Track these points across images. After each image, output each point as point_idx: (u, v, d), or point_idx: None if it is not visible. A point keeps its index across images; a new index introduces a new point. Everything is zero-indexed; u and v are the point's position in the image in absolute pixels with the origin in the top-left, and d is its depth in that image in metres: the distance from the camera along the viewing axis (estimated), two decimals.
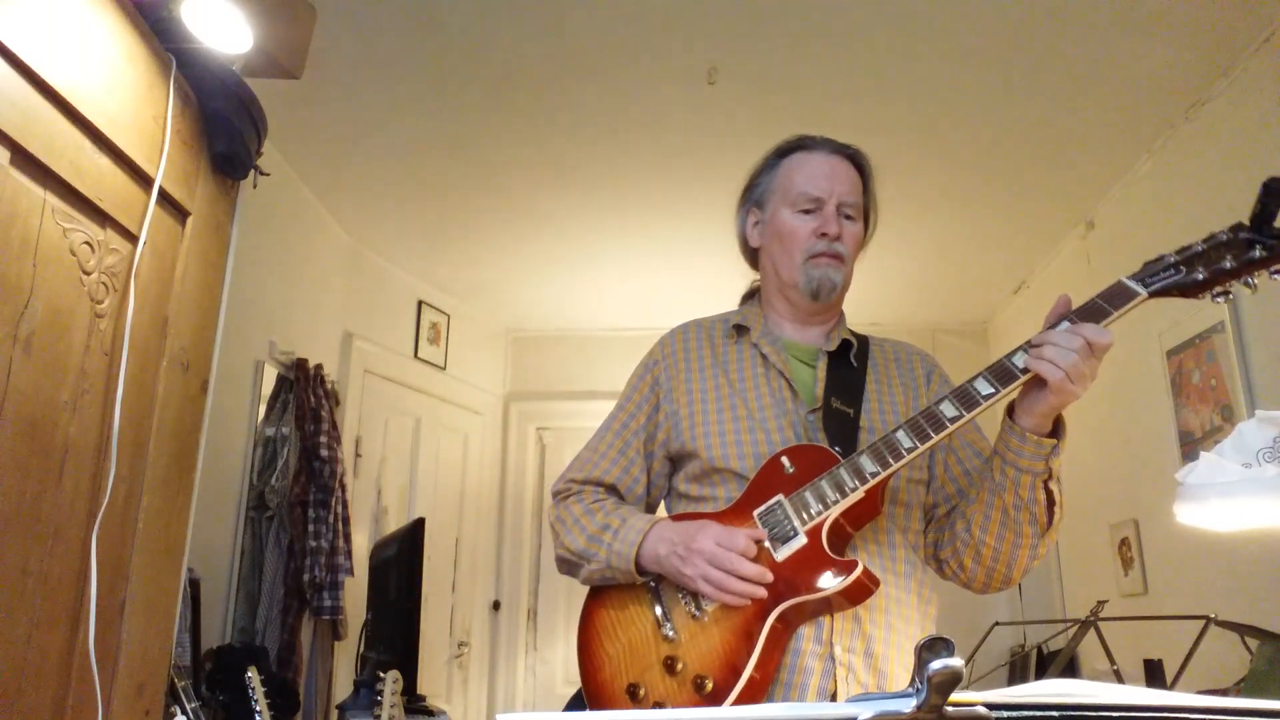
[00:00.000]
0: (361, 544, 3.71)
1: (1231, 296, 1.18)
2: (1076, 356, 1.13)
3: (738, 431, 1.37)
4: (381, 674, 2.34)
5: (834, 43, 2.68)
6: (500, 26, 2.63)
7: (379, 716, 2.26)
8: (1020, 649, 3.68)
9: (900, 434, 1.22)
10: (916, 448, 1.20)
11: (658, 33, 2.65)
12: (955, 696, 0.54)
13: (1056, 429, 1.22)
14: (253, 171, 1.87)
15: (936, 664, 0.52)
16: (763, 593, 1.21)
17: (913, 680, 0.54)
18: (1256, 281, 1.16)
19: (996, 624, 3.07)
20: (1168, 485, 1.38)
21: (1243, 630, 2.07)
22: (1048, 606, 4.09)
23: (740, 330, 1.50)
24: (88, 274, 1.42)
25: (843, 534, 1.26)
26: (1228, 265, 1.15)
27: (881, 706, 0.55)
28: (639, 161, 3.33)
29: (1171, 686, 2.30)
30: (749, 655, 1.19)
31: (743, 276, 1.62)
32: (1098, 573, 3.57)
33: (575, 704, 1.37)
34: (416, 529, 2.98)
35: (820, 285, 1.42)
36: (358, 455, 3.88)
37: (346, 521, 3.34)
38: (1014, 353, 1.20)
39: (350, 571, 3.30)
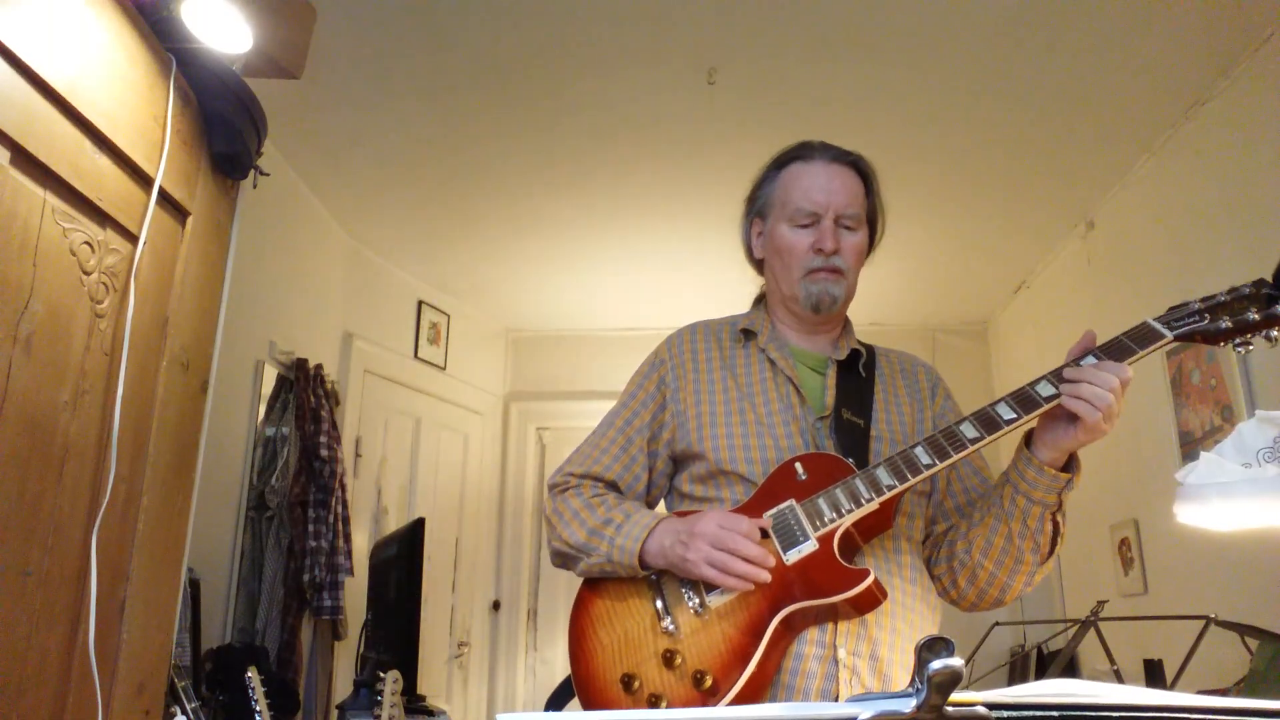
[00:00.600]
0: (361, 544, 3.71)
1: (1252, 348, 1.22)
2: (1113, 397, 1.15)
3: (746, 435, 1.37)
4: (381, 674, 2.34)
5: (834, 43, 2.68)
6: (500, 27, 2.63)
7: (379, 716, 2.26)
8: (1020, 649, 3.69)
9: (919, 450, 1.23)
10: (935, 465, 1.22)
11: (658, 33, 2.65)
12: (955, 696, 0.54)
13: (1070, 462, 1.23)
14: (253, 171, 1.87)
15: (936, 664, 0.52)
16: (766, 576, 1.20)
17: (913, 680, 0.54)
18: (1277, 335, 1.19)
19: (996, 624, 3.07)
20: (1168, 485, 1.38)
21: (1243, 630, 2.07)
22: (1048, 606, 4.09)
23: (748, 335, 1.50)
24: (88, 274, 1.42)
25: (853, 544, 1.26)
26: (1252, 318, 1.18)
27: (881, 706, 0.55)
28: (639, 162, 3.33)
29: (1171, 686, 2.30)
30: (751, 654, 1.19)
31: (742, 276, 1.62)
32: (1098, 573, 3.57)
33: (562, 691, 1.37)
34: (416, 529, 2.98)
35: (820, 301, 1.42)
36: (358, 455, 3.88)
37: (346, 521, 3.34)
38: (1038, 381, 1.21)
39: (350, 571, 3.30)
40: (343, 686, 3.49)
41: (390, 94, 2.95)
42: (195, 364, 1.71)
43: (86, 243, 1.41)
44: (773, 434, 1.37)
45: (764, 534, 1.25)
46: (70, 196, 1.38)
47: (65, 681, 1.36)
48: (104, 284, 1.46)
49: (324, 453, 3.22)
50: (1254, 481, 1.27)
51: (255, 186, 1.93)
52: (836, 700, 1.22)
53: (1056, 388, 1.19)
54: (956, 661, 0.52)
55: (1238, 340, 1.20)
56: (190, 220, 1.69)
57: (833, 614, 1.24)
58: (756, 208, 1.52)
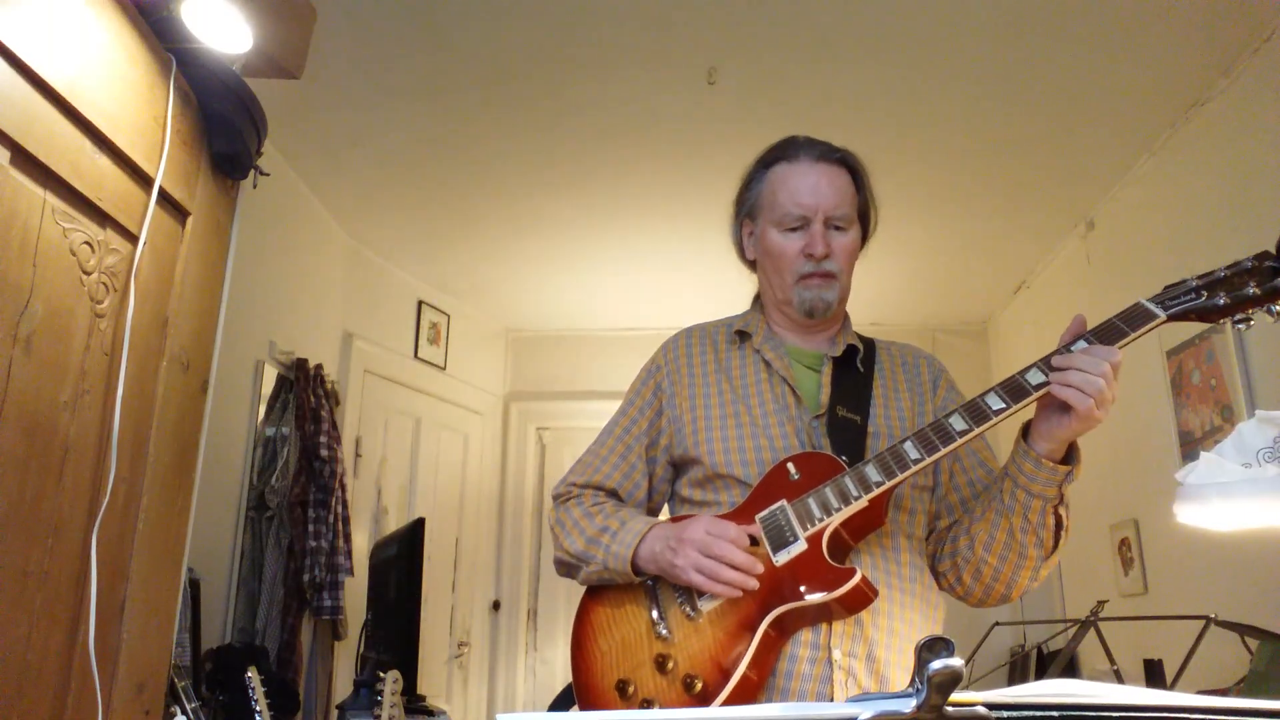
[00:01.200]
0: (361, 544, 3.71)
1: (1252, 324, 1.17)
2: (1103, 382, 1.11)
3: (741, 438, 1.37)
4: (381, 674, 2.34)
5: (834, 43, 2.68)
6: (500, 27, 2.63)
7: (379, 716, 2.26)
8: (1020, 649, 3.69)
9: (908, 445, 1.21)
10: (923, 459, 1.20)
11: (658, 33, 2.65)
12: (955, 696, 0.54)
13: (1070, 454, 1.21)
14: (253, 171, 1.87)
15: (936, 664, 0.52)
16: (754, 583, 1.20)
17: (913, 680, 0.54)
18: (1279, 310, 1.15)
19: (996, 624, 3.07)
20: (1168, 485, 1.38)
21: (1243, 630, 2.07)
22: (1048, 606, 4.09)
23: (743, 336, 1.49)
24: (88, 274, 1.42)
25: (844, 543, 1.25)
26: (1251, 292, 1.14)
27: (881, 706, 0.55)
28: (639, 161, 3.33)
29: (1171, 686, 2.30)
30: (741, 657, 1.19)
31: (742, 276, 1.61)
32: (1098, 573, 3.57)
33: (563, 699, 1.37)
34: (416, 529, 2.98)
35: (814, 306, 1.40)
36: (358, 455, 3.88)
37: (346, 521, 3.34)
38: (1028, 369, 1.18)
39: (350, 571, 3.30)
40: (343, 686, 3.49)
41: (390, 94, 2.95)
42: (195, 364, 1.71)
43: (86, 243, 1.41)
44: (768, 435, 1.36)
45: (754, 541, 1.25)
46: (70, 196, 1.38)
47: (65, 681, 1.36)
48: (104, 284, 1.46)
49: (324, 453, 3.22)
50: (1254, 481, 1.26)
51: (255, 186, 1.93)
52: (832, 702, 1.22)
53: (1046, 375, 1.16)
54: (956, 661, 0.52)
55: (1237, 317, 1.16)
56: (190, 220, 1.69)
57: (825, 614, 1.23)
58: (745, 209, 1.50)
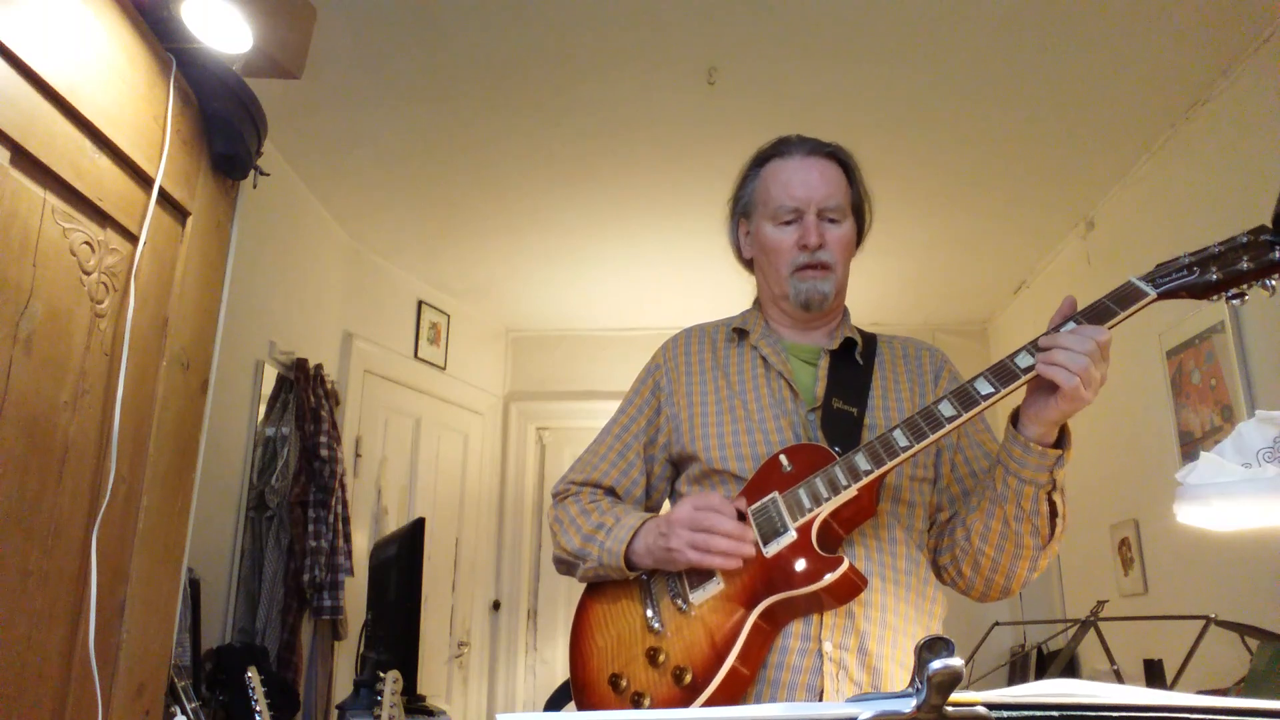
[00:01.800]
0: (361, 544, 3.71)
1: (1246, 300, 1.14)
2: (1089, 361, 1.10)
3: (736, 434, 1.37)
4: (381, 674, 2.34)
5: (833, 43, 2.68)
6: (500, 27, 2.63)
7: (379, 716, 2.26)
8: (1020, 649, 3.69)
9: (897, 433, 1.20)
10: (912, 446, 1.18)
11: (658, 33, 2.65)
12: (955, 696, 0.54)
13: (1061, 438, 1.19)
14: (253, 171, 1.87)
15: (936, 664, 0.52)
16: (749, 549, 1.20)
17: (913, 680, 0.54)
18: (1275, 284, 1.12)
19: (996, 624, 3.07)
20: (1168, 485, 1.38)
21: (1243, 630, 2.07)
22: (1048, 606, 4.09)
23: (741, 334, 1.49)
24: (88, 274, 1.42)
25: (836, 533, 1.25)
26: (1244, 267, 1.11)
27: (881, 706, 0.55)
28: (639, 162, 3.33)
29: (1171, 686, 2.30)
30: (730, 649, 1.19)
31: (742, 276, 1.62)
32: (1098, 573, 3.57)
33: (559, 696, 1.37)
34: (416, 529, 2.98)
35: (810, 298, 1.40)
36: (358, 455, 3.88)
37: (346, 521, 3.34)
38: (1017, 353, 1.17)
39: (350, 571, 3.30)
40: (343, 686, 3.49)
41: (390, 94, 2.95)
42: (195, 364, 1.71)
43: (86, 243, 1.41)
44: (763, 429, 1.36)
45: (741, 515, 1.25)
46: (70, 196, 1.38)
47: (65, 681, 1.36)
48: (104, 284, 1.46)
49: (324, 453, 3.22)
50: (1254, 481, 1.26)
51: (255, 186, 1.93)
52: (822, 695, 1.21)
53: (1034, 357, 1.15)
54: (956, 661, 0.52)
55: (1231, 292, 1.13)
56: (190, 220, 1.69)
57: (816, 605, 1.22)
58: (740, 207, 1.51)
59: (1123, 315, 1.15)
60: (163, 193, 1.58)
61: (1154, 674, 2.53)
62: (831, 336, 1.46)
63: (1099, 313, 1.15)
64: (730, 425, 1.38)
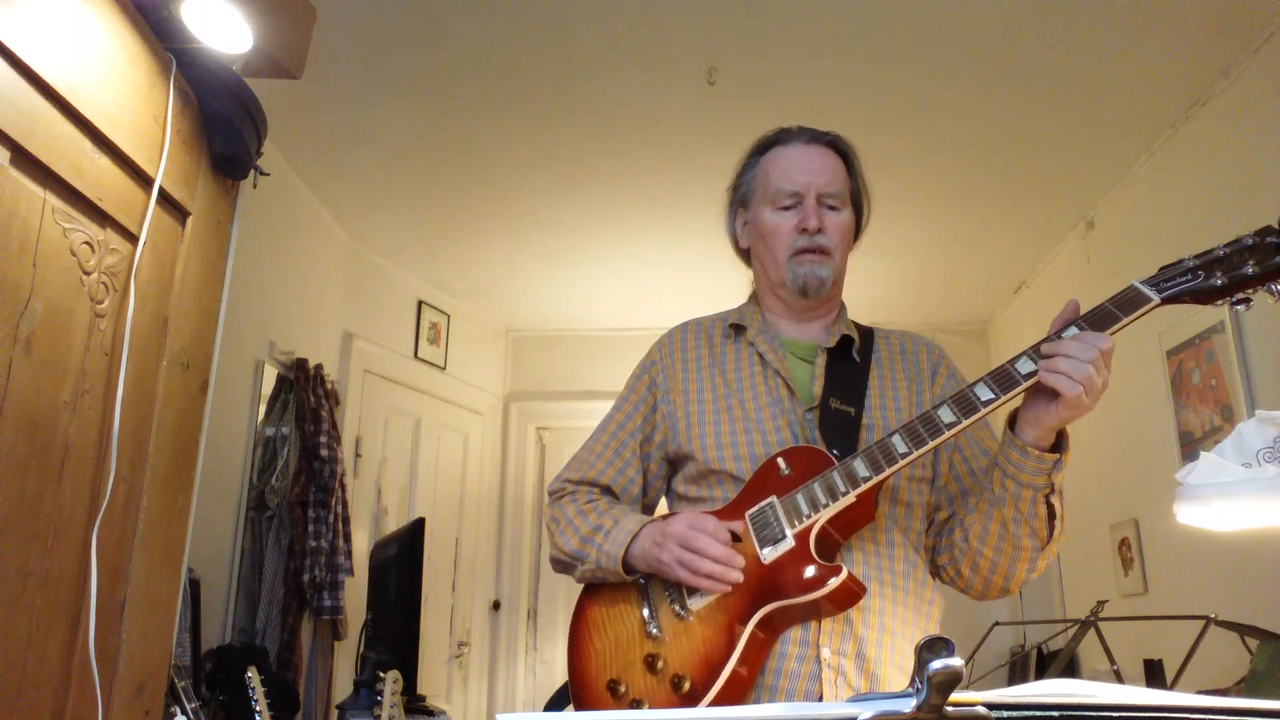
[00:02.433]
0: (361, 544, 3.71)
1: (1251, 305, 1.11)
2: (1092, 369, 1.08)
3: (734, 433, 1.36)
4: (381, 674, 2.34)
5: (833, 43, 2.68)
6: (500, 27, 2.63)
7: (379, 716, 2.26)
8: (1020, 649, 3.69)
9: (896, 439, 1.19)
10: (911, 453, 1.18)
11: (658, 33, 2.65)
12: (955, 696, 0.54)
13: (1059, 442, 1.18)
14: (253, 171, 1.87)
15: (936, 664, 0.52)
16: (735, 576, 1.20)
17: (913, 680, 0.54)
18: None
19: (996, 624, 3.07)
20: (1168, 485, 1.37)
21: (1243, 630, 2.07)
22: (1048, 606, 4.09)
23: (738, 329, 1.48)
24: (88, 274, 1.42)
25: (834, 539, 1.24)
26: (1250, 271, 1.08)
27: (881, 706, 0.55)
28: (639, 161, 3.33)
29: (1171, 686, 2.30)
30: (728, 656, 1.18)
31: (741, 275, 1.61)
32: (1098, 573, 3.57)
33: (558, 698, 1.37)
34: (416, 529, 2.98)
35: (807, 282, 1.39)
36: (358, 455, 3.88)
37: (346, 521, 3.34)
38: (1018, 358, 1.16)
39: (350, 571, 3.30)
40: (343, 686, 3.49)
41: (390, 94, 2.95)
42: (195, 364, 1.71)
43: (86, 243, 1.41)
44: (760, 429, 1.35)
45: (736, 537, 1.25)
46: (70, 196, 1.38)
47: (65, 681, 1.36)
48: (104, 284, 1.46)
49: (324, 453, 3.22)
50: (1254, 481, 1.26)
51: (255, 186, 1.93)
52: (821, 700, 1.21)
53: (1036, 364, 1.13)
54: (956, 661, 0.52)
55: (1235, 298, 1.10)
56: (190, 220, 1.69)
57: (814, 612, 1.22)
58: (739, 196, 1.51)
59: (1126, 321, 1.13)
60: (163, 193, 1.58)
61: (1154, 674, 2.53)
62: (829, 331, 1.45)
63: (1102, 318, 1.14)
64: (728, 425, 1.37)
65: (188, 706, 1.92)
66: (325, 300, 3.80)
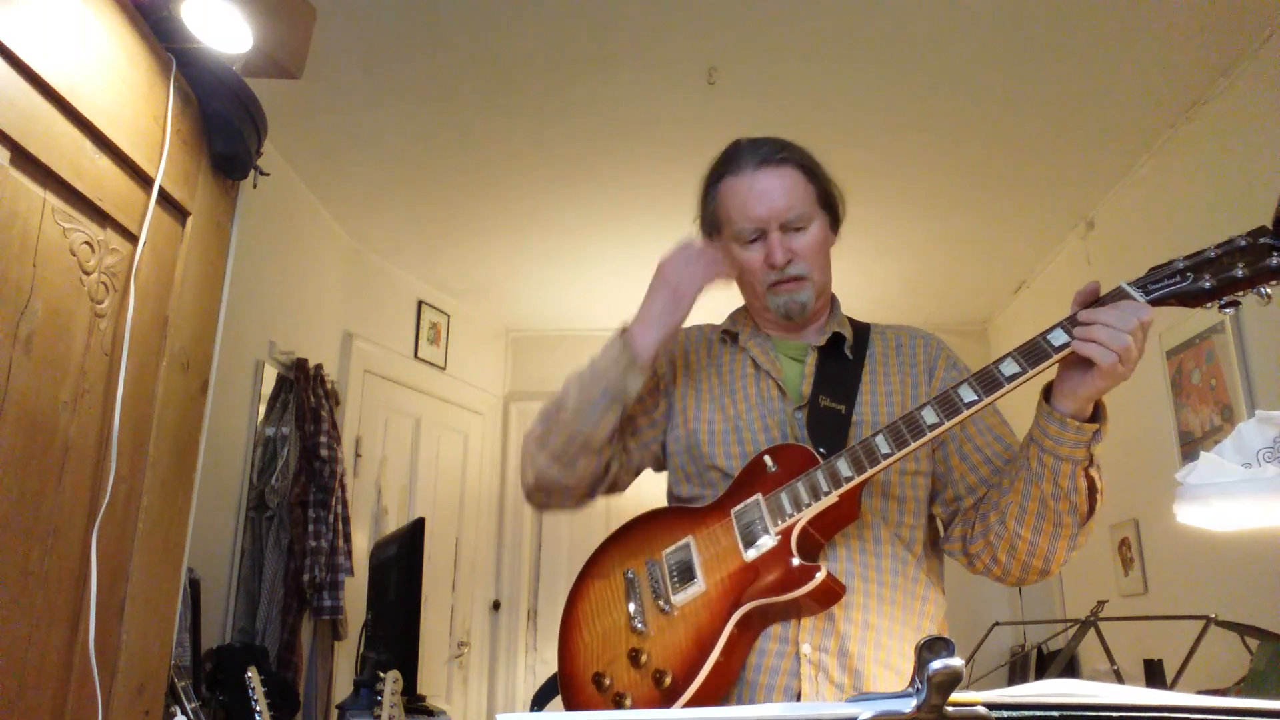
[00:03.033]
0: (361, 544, 3.71)
1: (1240, 308, 1.10)
2: (1130, 339, 1.07)
3: (726, 431, 1.37)
4: (381, 674, 2.34)
5: (833, 44, 2.68)
6: (500, 27, 2.63)
7: (379, 716, 2.26)
8: (1020, 649, 3.69)
9: (879, 439, 1.19)
10: (893, 454, 1.18)
11: (658, 33, 2.65)
12: (955, 696, 0.54)
13: (1097, 412, 1.16)
14: (253, 171, 1.87)
15: (936, 664, 0.52)
16: (709, 251, 1.35)
17: (913, 680, 0.54)
18: (1270, 292, 1.06)
19: (996, 624, 3.07)
20: (1168, 485, 1.37)
21: (1243, 630, 2.07)
22: (1048, 606, 4.09)
23: (732, 336, 1.49)
24: (88, 274, 1.42)
25: (816, 538, 1.24)
26: (1239, 273, 1.06)
27: (881, 706, 0.55)
28: (639, 161, 3.33)
29: (1171, 686, 2.30)
30: (708, 653, 1.19)
31: None
32: (1098, 573, 3.57)
33: (548, 688, 1.37)
34: (416, 529, 2.98)
35: (789, 309, 1.38)
36: (358, 455, 3.88)
37: (346, 521, 3.34)
38: (1052, 329, 1.13)
39: (350, 571, 3.30)
40: (343, 686, 3.49)
41: (390, 94, 2.95)
42: (195, 364, 1.71)
43: (86, 243, 1.41)
44: (750, 428, 1.36)
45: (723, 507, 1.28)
46: (70, 196, 1.38)
47: (65, 681, 1.36)
48: (104, 284, 1.46)
49: (324, 453, 3.22)
50: (1254, 481, 1.26)
51: (255, 186, 1.93)
52: (800, 696, 1.21)
53: (1070, 335, 1.11)
54: (956, 661, 0.52)
55: (1224, 300, 1.08)
56: (190, 220, 1.69)
57: (796, 610, 1.22)
58: (707, 227, 1.49)
59: None
60: (163, 193, 1.58)
61: (1154, 674, 2.53)
62: (821, 332, 1.44)
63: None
64: (721, 423, 1.38)
65: (188, 706, 1.92)
66: (325, 300, 3.80)
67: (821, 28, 2.62)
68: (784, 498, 1.23)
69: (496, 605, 4.72)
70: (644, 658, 1.24)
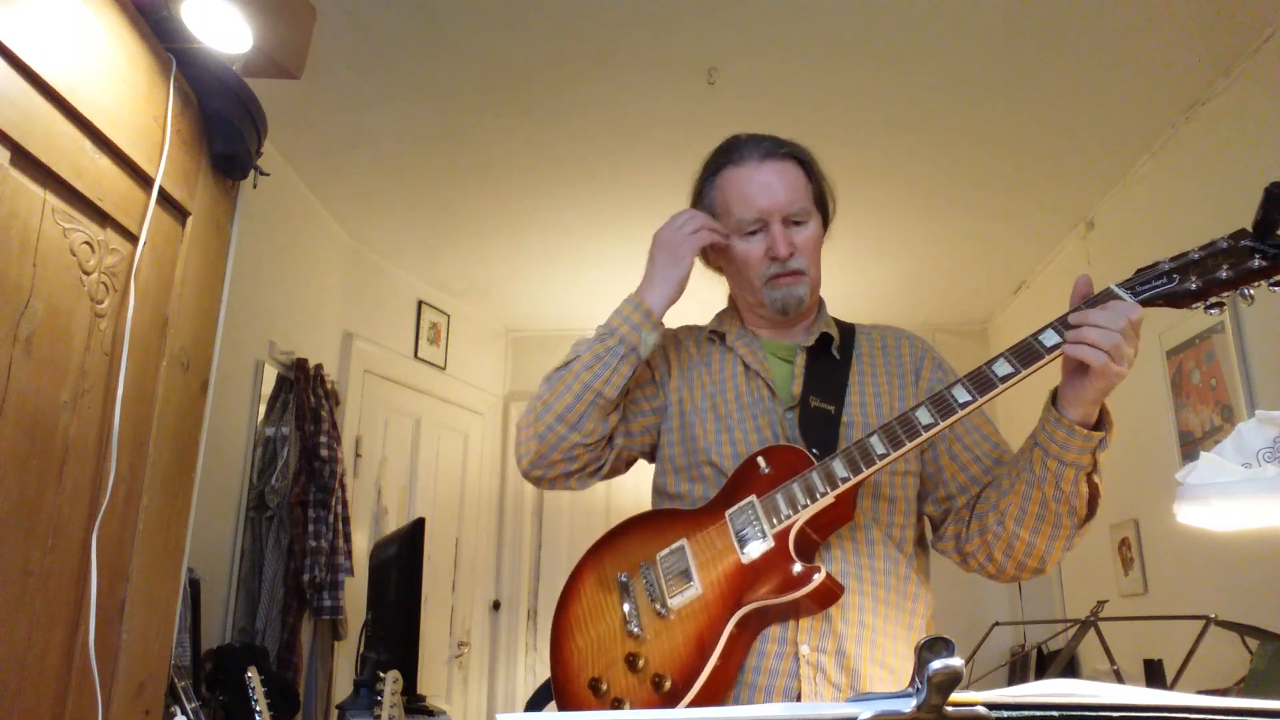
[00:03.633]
0: (361, 544, 3.71)
1: (1225, 308, 1.13)
2: (1120, 338, 1.08)
3: (718, 431, 1.37)
4: (381, 674, 2.34)
5: (834, 43, 2.68)
6: (500, 27, 2.63)
7: (379, 716, 2.26)
8: (1020, 649, 3.69)
9: (874, 439, 1.20)
10: (889, 454, 1.18)
11: (658, 33, 2.65)
12: (955, 696, 0.54)
13: (1102, 419, 1.17)
14: (253, 171, 1.87)
15: (936, 664, 0.52)
16: (712, 221, 1.35)
17: (913, 680, 0.54)
18: (1253, 293, 1.09)
19: (996, 624, 3.07)
20: (1168, 485, 1.37)
21: (1243, 630, 2.07)
22: (1048, 606, 4.09)
23: (719, 336, 1.48)
24: (88, 274, 1.42)
25: (812, 538, 1.24)
26: (1223, 275, 1.08)
27: (881, 706, 0.55)
28: (639, 161, 3.33)
29: (1171, 686, 2.30)
30: (708, 656, 1.19)
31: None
32: (1098, 573, 3.57)
33: (541, 694, 1.37)
34: (416, 529, 2.98)
35: (786, 303, 1.38)
36: (358, 455, 3.88)
37: (346, 521, 3.34)
38: (1043, 330, 1.14)
39: (350, 571, 3.30)
40: (343, 686, 3.49)
41: (390, 94, 2.95)
42: (195, 364, 1.71)
43: (86, 243, 1.41)
44: (742, 428, 1.36)
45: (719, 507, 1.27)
46: (70, 196, 1.38)
47: (65, 681, 1.36)
48: (104, 284, 1.46)
49: (324, 453, 3.22)
50: (1254, 481, 1.26)
51: (255, 186, 1.93)
52: (799, 697, 1.21)
53: (1061, 336, 1.12)
54: (956, 661, 0.52)
55: (1210, 301, 1.10)
56: (190, 220, 1.69)
57: (794, 611, 1.22)
58: None
59: None
60: (163, 193, 1.58)
61: (1154, 674, 2.53)
62: (809, 332, 1.44)
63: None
64: (713, 422, 1.38)
65: (188, 706, 1.92)
66: (325, 300, 3.80)
67: (821, 28, 2.62)
68: (779, 499, 1.23)
69: (496, 605, 4.72)
70: (641, 662, 1.24)
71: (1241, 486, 1.27)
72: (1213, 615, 2.18)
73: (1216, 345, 2.79)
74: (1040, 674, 3.37)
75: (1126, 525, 3.36)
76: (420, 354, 4.40)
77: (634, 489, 3.88)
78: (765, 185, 1.37)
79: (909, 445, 1.17)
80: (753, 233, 1.39)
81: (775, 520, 1.23)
